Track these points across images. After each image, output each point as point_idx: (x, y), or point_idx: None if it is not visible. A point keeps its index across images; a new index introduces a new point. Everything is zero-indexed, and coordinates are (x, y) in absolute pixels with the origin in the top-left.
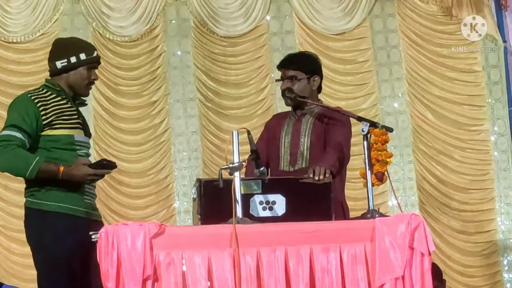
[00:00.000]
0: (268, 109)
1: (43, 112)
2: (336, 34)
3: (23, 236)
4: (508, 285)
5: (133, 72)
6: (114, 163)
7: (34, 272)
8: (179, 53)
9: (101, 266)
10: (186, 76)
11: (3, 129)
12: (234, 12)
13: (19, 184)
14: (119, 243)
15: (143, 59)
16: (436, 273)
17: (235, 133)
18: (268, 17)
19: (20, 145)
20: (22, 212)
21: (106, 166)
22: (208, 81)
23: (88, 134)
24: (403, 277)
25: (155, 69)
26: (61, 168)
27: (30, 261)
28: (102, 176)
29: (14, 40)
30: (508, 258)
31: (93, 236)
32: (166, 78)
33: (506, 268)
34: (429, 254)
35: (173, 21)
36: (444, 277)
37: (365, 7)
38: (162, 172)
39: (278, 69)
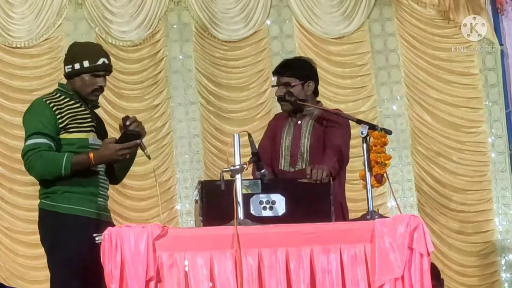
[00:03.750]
0: (268, 112)
1: (58, 116)
2: (335, 38)
3: (28, 238)
4: (506, 284)
5: (136, 76)
6: (138, 131)
7: (38, 274)
8: (180, 57)
9: (104, 267)
10: (188, 80)
11: (26, 138)
12: (234, 16)
13: (24, 187)
14: (123, 245)
15: (145, 64)
16: (434, 272)
17: (236, 135)
18: (268, 22)
19: (47, 149)
20: (26, 214)
21: (131, 136)
22: (210, 85)
23: (102, 136)
24: (402, 277)
25: (157, 73)
26: (91, 155)
27: (35, 262)
28: (131, 148)
29: (18, 45)
30: (506, 258)
31: (96, 238)
32: (168, 82)
33: (503, 268)
34: (428, 254)
35: (175, 26)
36: (443, 277)
37: (364, 11)
38: (164, 174)
39: (273, 75)
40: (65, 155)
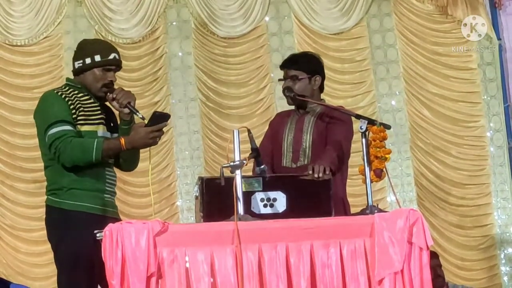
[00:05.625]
0: (267, 108)
1: (71, 107)
2: (334, 34)
3: (29, 235)
4: (505, 278)
5: (135, 73)
6: (167, 113)
7: (40, 271)
8: (180, 54)
9: (106, 264)
10: (187, 77)
11: (48, 128)
12: (233, 13)
13: (25, 185)
14: (123, 241)
15: (145, 61)
16: (433, 254)
17: (235, 132)
18: (267, 18)
19: (74, 135)
20: (28, 211)
21: (160, 117)
22: (209, 81)
23: (112, 129)
24: (402, 271)
25: (156, 70)
26: (122, 140)
27: (37, 259)
28: (161, 131)
29: (18, 43)
30: (505, 251)
31: (97, 234)
32: (168, 79)
33: (503, 261)
34: (427, 248)
35: (174, 23)
36: (443, 270)
37: (362, 7)
38: (164, 171)
39: (281, 69)
40: (95, 141)
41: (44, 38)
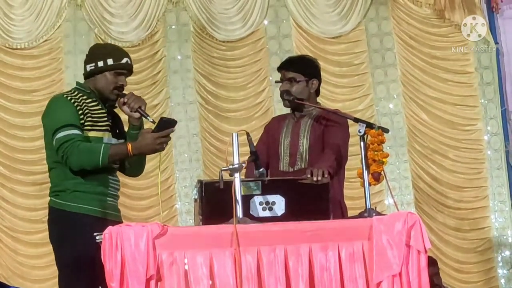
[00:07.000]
0: (266, 111)
1: (80, 112)
2: (332, 38)
3: (28, 237)
4: (502, 280)
5: (135, 76)
6: (173, 119)
7: (39, 273)
8: (179, 57)
9: (105, 266)
10: (186, 80)
11: (56, 131)
12: (232, 17)
13: (25, 187)
14: (123, 244)
15: (144, 64)
16: (432, 261)
17: (234, 135)
18: (265, 22)
19: (81, 139)
20: (27, 214)
21: (167, 123)
22: (208, 85)
23: (117, 135)
24: (400, 274)
25: (156, 73)
26: (129, 146)
27: (36, 262)
28: (168, 137)
29: (18, 46)
30: (502, 254)
31: (97, 237)
32: (167, 82)
33: (500, 264)
34: (425, 251)
35: (173, 27)
36: (440, 273)
37: (360, 10)
38: (163, 173)
39: (278, 71)
40: (103, 146)
41: (44, 41)
